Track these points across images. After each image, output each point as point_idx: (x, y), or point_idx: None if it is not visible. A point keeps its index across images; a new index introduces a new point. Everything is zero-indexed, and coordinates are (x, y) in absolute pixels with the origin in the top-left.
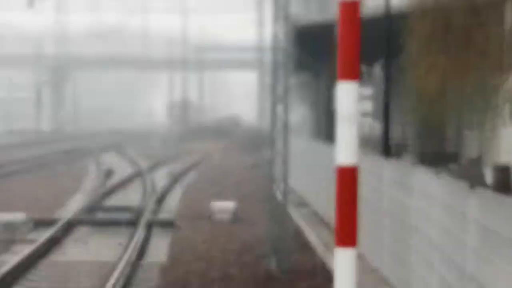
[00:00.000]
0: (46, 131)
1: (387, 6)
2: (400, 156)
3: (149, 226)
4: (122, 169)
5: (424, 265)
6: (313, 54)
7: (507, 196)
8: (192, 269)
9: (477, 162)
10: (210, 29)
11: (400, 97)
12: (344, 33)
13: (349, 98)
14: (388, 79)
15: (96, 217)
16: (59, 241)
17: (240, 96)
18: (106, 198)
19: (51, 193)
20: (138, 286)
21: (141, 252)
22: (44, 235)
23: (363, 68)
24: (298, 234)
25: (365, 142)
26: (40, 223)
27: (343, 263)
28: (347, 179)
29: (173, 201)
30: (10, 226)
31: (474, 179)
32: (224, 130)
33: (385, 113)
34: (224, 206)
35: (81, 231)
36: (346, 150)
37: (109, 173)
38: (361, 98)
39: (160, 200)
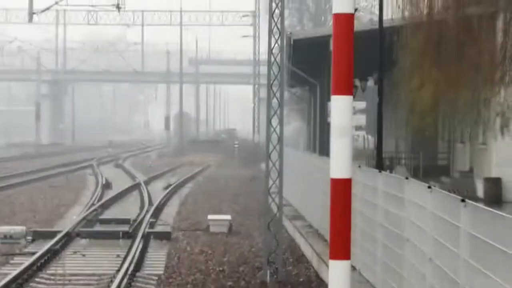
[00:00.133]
0: (45, 144)
1: (380, 21)
2: (394, 168)
3: (147, 238)
4: (120, 182)
5: (416, 277)
6: (308, 67)
7: (498, 208)
8: (188, 280)
9: (469, 175)
10: (206, 42)
11: (393, 111)
12: (339, 45)
13: (343, 111)
14: (381, 93)
15: (94, 229)
16: (57, 253)
17: (236, 109)
18: (104, 211)
19: (50, 205)
20: None
21: (139, 264)
22: (43, 248)
23: (357, 82)
24: (293, 246)
25: (358, 155)
26: (39, 236)
27: (337, 276)
28: (341, 191)
29: (170, 214)
30: (9, 239)
31: (465, 191)
32: (221, 143)
33: (379, 127)
34: (220, 219)
35: (80, 243)
36: (340, 163)
37: (107, 186)
38: (355, 111)
39: (158, 212)
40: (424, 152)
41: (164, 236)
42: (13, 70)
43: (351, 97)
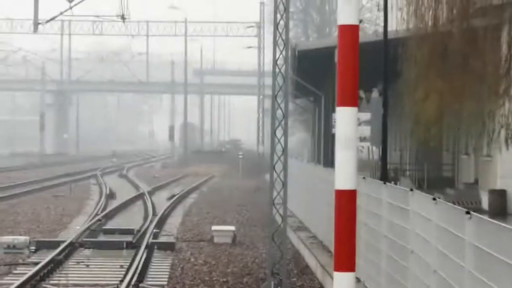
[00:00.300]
0: (49, 154)
1: (385, 32)
2: (398, 180)
3: (150, 248)
4: (124, 192)
5: None
6: (312, 78)
7: (503, 220)
8: None
9: (474, 187)
10: (211, 53)
11: (398, 122)
12: (344, 57)
13: (348, 123)
14: (386, 104)
15: (98, 240)
16: (61, 264)
17: (240, 120)
18: (108, 221)
19: (53, 215)
20: None
21: (142, 274)
22: (46, 258)
23: (362, 93)
24: (297, 258)
25: (363, 167)
26: (43, 245)
27: (341, 287)
28: (346, 202)
29: (174, 224)
30: (12, 249)
31: (470, 203)
32: (225, 154)
33: (383, 138)
34: (224, 229)
35: (83, 254)
36: (344, 174)
37: (111, 196)
38: (360, 123)
39: (161, 222)
40: (429, 164)
41: (168, 247)
42: (18, 80)
43: (356, 108)
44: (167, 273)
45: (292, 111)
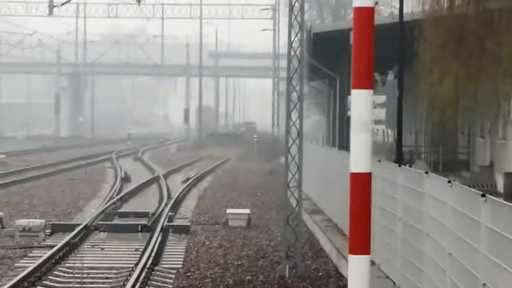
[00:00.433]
0: (64, 137)
1: (401, 14)
2: (413, 163)
3: (165, 231)
4: (139, 175)
5: (436, 272)
6: (327, 61)
7: None
8: (207, 274)
9: (489, 170)
10: (226, 36)
11: (413, 105)
12: (359, 39)
13: (363, 105)
14: (402, 87)
15: (113, 223)
16: (76, 247)
17: (255, 103)
18: (123, 204)
19: (69, 198)
20: None
21: (157, 257)
22: (61, 241)
23: (377, 76)
24: (312, 241)
25: (378, 149)
26: (58, 229)
27: (356, 270)
28: (361, 185)
29: (189, 207)
30: (28, 232)
31: (486, 186)
32: (240, 137)
33: (398, 121)
34: (239, 213)
35: (98, 237)
36: (359, 157)
37: (126, 179)
38: (375, 105)
39: (176, 206)
40: (444, 147)
41: (182, 230)
42: (33, 63)
43: (371, 91)
44: (182, 256)
45: (307, 93)
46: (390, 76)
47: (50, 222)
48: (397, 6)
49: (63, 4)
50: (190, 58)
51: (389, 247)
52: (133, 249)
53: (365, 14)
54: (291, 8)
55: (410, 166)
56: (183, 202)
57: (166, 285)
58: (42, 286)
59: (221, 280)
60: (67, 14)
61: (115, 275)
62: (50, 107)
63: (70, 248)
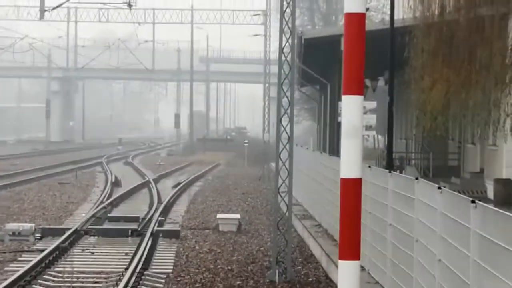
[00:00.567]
0: (55, 141)
1: (391, 20)
2: (404, 169)
3: (155, 236)
4: (130, 180)
5: (425, 278)
6: (318, 67)
7: (508, 210)
8: (197, 279)
9: (479, 176)
10: (217, 41)
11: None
12: (350, 45)
13: (354, 111)
14: (392, 93)
15: (103, 227)
16: (66, 251)
17: (246, 108)
18: (113, 209)
19: (59, 203)
20: None
21: (147, 262)
22: (51, 245)
23: (367, 82)
24: (302, 246)
25: (369, 155)
26: (48, 233)
27: (346, 276)
28: (351, 191)
29: (179, 212)
30: (18, 236)
31: (476, 192)
32: (231, 142)
33: (389, 127)
34: (229, 217)
35: (88, 241)
36: (350, 163)
37: (116, 184)
38: (365, 111)
39: (167, 210)
40: (434, 153)
41: (173, 235)
42: (24, 67)
43: (362, 97)
44: (172, 261)
45: (298, 99)
46: (381, 82)
47: (40, 226)
48: (388, 12)
49: (54, 8)
50: (181, 63)
51: (379, 252)
52: (123, 254)
53: (356, 20)
54: (282, 13)
55: (401, 172)
56: (173, 207)
57: None
58: None
59: (211, 285)
60: (58, 18)
61: (105, 280)
62: (40, 111)
63: (60, 252)
